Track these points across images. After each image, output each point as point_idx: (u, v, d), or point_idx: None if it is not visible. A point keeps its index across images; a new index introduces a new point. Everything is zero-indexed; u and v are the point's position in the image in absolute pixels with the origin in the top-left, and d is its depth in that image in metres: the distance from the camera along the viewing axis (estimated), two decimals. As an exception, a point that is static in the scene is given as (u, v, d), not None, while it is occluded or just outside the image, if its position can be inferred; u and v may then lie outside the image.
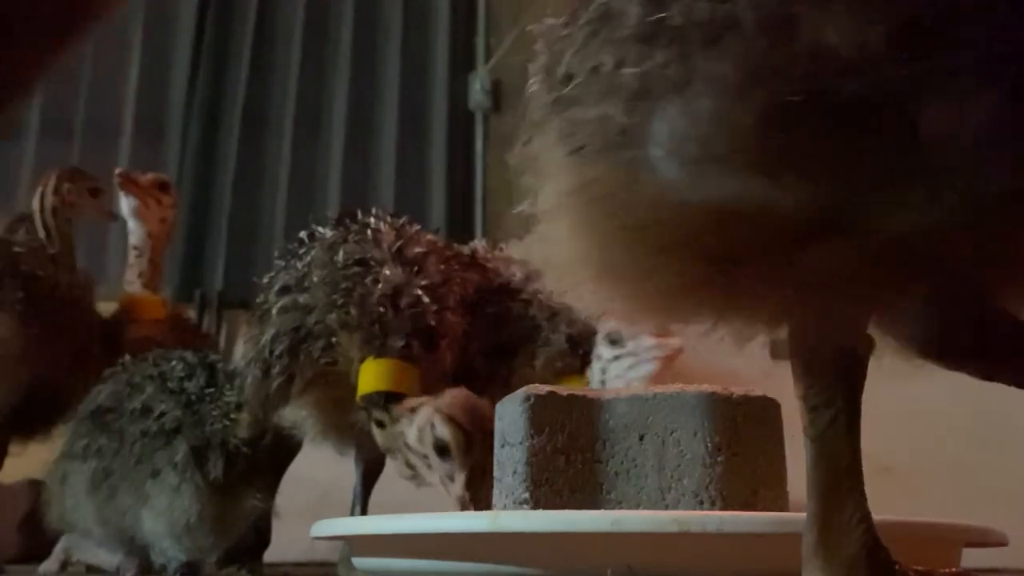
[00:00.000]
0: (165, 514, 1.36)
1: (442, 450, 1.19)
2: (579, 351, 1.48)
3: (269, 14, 3.65)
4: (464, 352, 1.43)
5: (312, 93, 3.59)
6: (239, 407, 1.37)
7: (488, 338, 1.47)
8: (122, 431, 1.41)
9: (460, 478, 1.18)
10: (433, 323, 1.29)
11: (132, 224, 1.89)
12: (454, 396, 1.21)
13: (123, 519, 1.40)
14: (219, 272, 3.20)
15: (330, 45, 3.66)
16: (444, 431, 1.18)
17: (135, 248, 1.89)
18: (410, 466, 1.24)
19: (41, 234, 1.86)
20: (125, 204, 1.89)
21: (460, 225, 3.56)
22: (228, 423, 1.38)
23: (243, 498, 1.39)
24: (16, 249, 1.59)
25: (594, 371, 1.45)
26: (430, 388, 1.27)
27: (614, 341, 1.43)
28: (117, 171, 1.88)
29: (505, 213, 3.87)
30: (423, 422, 1.20)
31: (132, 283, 1.89)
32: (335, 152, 3.62)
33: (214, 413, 1.39)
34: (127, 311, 1.88)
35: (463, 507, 1.18)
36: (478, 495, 1.18)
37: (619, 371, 1.43)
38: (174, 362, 1.47)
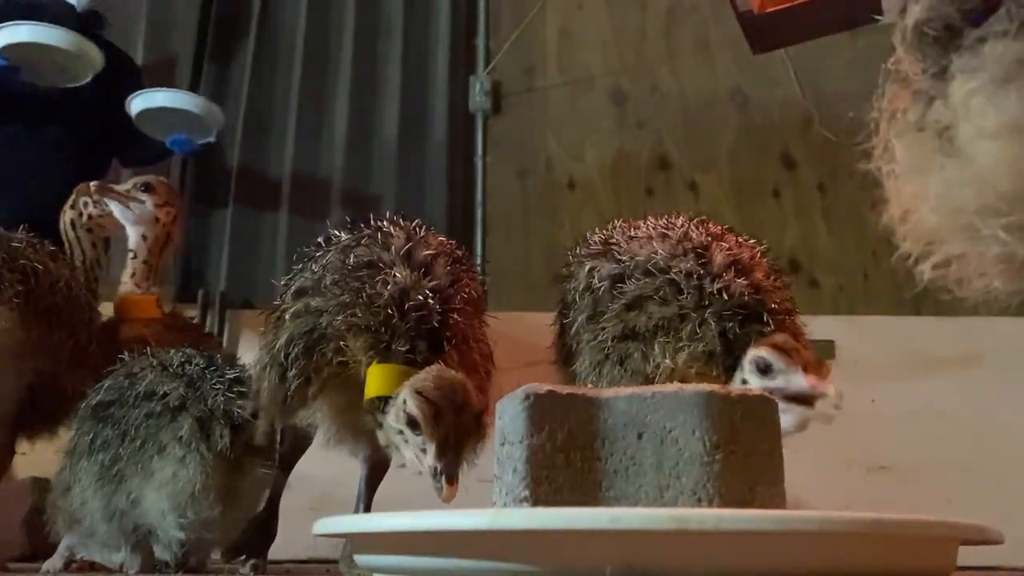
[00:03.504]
0: (169, 485, 1.37)
1: (412, 424, 1.20)
2: (733, 353, 1.28)
3: (271, 17, 3.66)
4: (598, 333, 1.35)
5: (314, 95, 3.59)
6: (254, 415, 1.38)
7: (619, 320, 1.35)
8: (126, 418, 1.43)
9: (431, 449, 1.19)
10: (438, 325, 1.28)
11: (127, 228, 1.97)
12: (427, 372, 1.23)
13: (130, 505, 1.41)
14: (222, 272, 3.21)
15: (331, 48, 3.67)
16: (412, 405, 1.20)
17: (130, 251, 1.96)
18: (396, 448, 1.25)
19: (66, 246, 1.94)
20: (115, 210, 1.96)
21: (460, 225, 3.57)
22: (232, 395, 1.40)
23: (249, 469, 1.40)
24: (15, 244, 1.61)
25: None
26: None
27: (763, 370, 1.24)
28: (92, 184, 1.96)
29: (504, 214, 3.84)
30: (399, 401, 1.22)
31: (125, 283, 1.94)
32: (337, 153, 3.63)
33: (217, 387, 1.41)
34: (120, 311, 1.91)
35: (435, 477, 1.18)
36: (452, 466, 1.18)
37: None
38: (172, 352, 1.50)
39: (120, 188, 1.96)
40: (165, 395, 1.42)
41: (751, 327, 1.29)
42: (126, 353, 1.58)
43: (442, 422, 1.19)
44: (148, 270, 1.95)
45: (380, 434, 1.27)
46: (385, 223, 1.40)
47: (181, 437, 1.38)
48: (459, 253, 1.43)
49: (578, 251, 1.51)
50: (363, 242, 1.36)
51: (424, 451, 1.20)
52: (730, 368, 1.28)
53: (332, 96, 3.63)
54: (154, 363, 1.49)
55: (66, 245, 2.00)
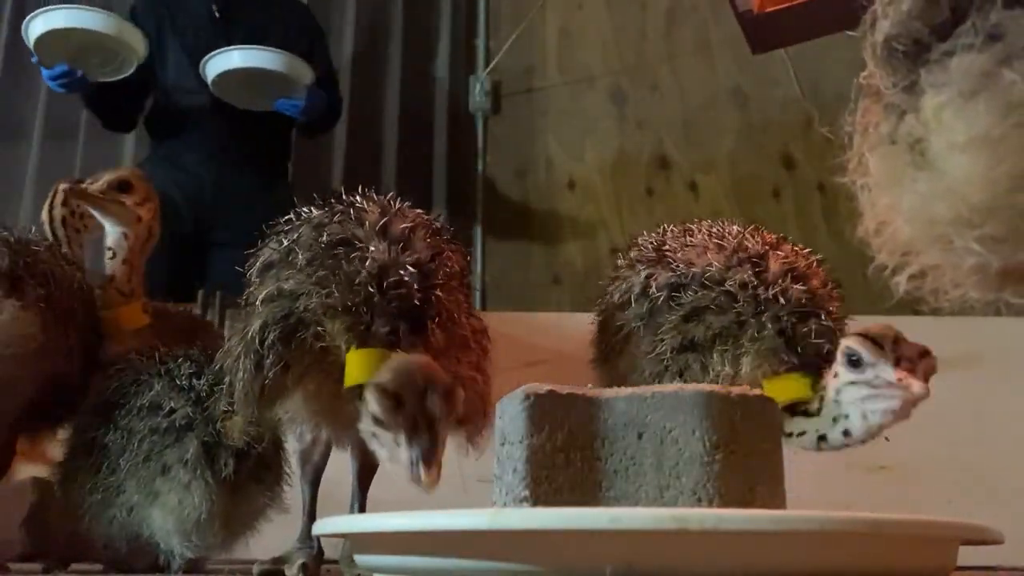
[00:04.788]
0: (175, 512, 1.35)
1: (378, 422, 1.14)
2: (795, 348, 1.30)
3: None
4: (656, 344, 1.34)
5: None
6: (229, 411, 1.33)
7: (677, 331, 1.34)
8: (129, 428, 1.40)
9: (401, 439, 1.12)
10: (420, 304, 1.22)
11: (106, 225, 1.75)
12: (386, 365, 1.16)
13: (129, 515, 1.40)
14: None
15: (332, 48, 3.67)
16: (372, 403, 1.13)
17: (109, 249, 1.74)
18: (376, 451, 1.19)
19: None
20: (95, 214, 1.74)
21: (460, 226, 3.58)
22: None
23: (253, 496, 1.39)
24: (35, 248, 1.59)
25: (829, 387, 1.27)
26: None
27: (853, 363, 1.23)
28: (61, 187, 1.74)
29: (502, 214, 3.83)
30: (364, 404, 1.16)
31: (106, 291, 1.72)
32: (337, 153, 3.63)
33: (226, 410, 1.38)
34: (104, 327, 1.71)
35: (412, 466, 1.11)
36: (427, 450, 1.11)
37: (854, 397, 1.25)
38: (181, 359, 1.47)
39: (95, 190, 1.70)
40: (172, 411, 1.39)
41: (810, 322, 1.31)
42: (134, 353, 1.55)
43: (404, 410, 1.12)
44: (129, 271, 1.72)
45: (362, 431, 1.20)
46: (358, 198, 1.33)
47: (186, 461, 1.35)
48: (438, 225, 1.36)
49: (630, 254, 1.49)
50: (336, 218, 1.30)
51: (398, 445, 1.13)
52: (799, 364, 1.30)
53: (332, 96, 3.63)
54: (162, 371, 1.45)
55: (51, 240, 1.88)
